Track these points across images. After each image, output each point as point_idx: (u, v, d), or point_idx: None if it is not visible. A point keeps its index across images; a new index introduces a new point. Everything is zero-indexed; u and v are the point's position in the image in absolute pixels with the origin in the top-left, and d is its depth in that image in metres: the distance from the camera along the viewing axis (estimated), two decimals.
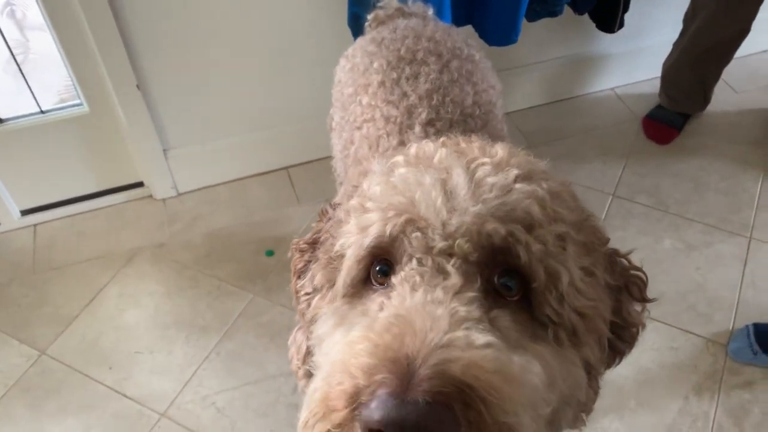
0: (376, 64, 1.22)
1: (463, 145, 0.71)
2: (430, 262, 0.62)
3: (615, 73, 2.55)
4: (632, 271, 0.76)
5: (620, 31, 2.20)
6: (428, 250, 0.63)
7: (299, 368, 0.84)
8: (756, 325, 1.71)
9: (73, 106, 2.04)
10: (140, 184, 2.22)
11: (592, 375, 0.71)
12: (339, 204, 0.80)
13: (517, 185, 0.64)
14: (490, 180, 0.64)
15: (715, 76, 2.31)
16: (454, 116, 1.11)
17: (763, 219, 2.07)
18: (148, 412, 1.67)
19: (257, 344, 1.79)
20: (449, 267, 0.62)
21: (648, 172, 2.25)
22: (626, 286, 0.75)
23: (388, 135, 1.10)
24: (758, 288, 1.88)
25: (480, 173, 0.65)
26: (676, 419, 1.60)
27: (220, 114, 2.12)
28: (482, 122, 1.13)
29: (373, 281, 0.67)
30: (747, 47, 2.28)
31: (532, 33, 2.23)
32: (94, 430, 1.65)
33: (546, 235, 0.62)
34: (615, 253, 0.76)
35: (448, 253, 0.62)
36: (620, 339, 0.75)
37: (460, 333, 0.56)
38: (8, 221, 2.12)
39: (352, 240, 0.67)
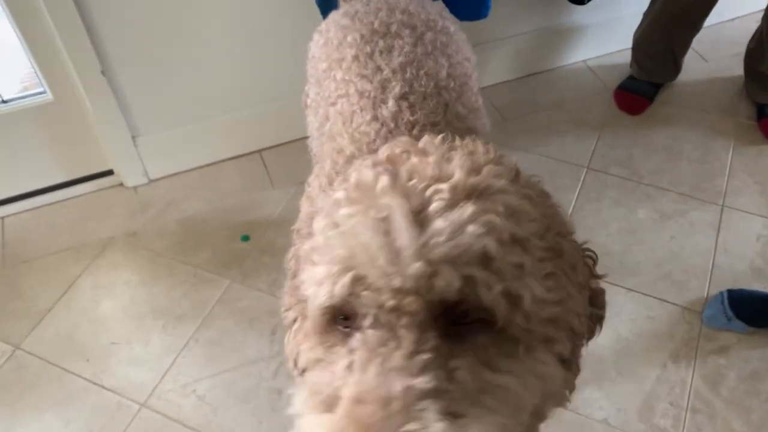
0: (349, 38, 1.20)
1: (414, 160, 0.66)
2: (382, 321, 0.60)
3: (586, 46, 2.55)
4: (585, 251, 0.77)
5: (591, 3, 2.19)
6: (380, 307, 0.60)
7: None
8: (730, 292, 1.74)
9: (37, 94, 1.98)
10: (110, 173, 2.18)
11: (571, 360, 0.72)
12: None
13: (470, 227, 0.59)
14: (439, 224, 0.59)
15: (685, 44, 2.32)
16: (427, 89, 1.09)
17: (735, 186, 2.09)
18: (127, 403, 1.65)
19: (236, 330, 1.78)
20: (400, 328, 0.60)
21: (621, 143, 2.25)
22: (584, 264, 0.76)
23: (361, 110, 1.08)
24: (731, 255, 1.90)
25: (432, 207, 0.60)
26: (655, 387, 1.63)
27: (189, 98, 2.08)
28: (457, 94, 1.12)
29: (338, 325, 0.66)
30: (716, 15, 2.29)
31: (503, 7, 2.21)
32: (73, 423, 1.63)
33: (505, 266, 0.59)
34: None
35: (400, 310, 0.60)
36: (596, 307, 0.77)
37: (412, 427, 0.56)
38: None
39: (309, 292, 0.65)
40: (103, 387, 1.69)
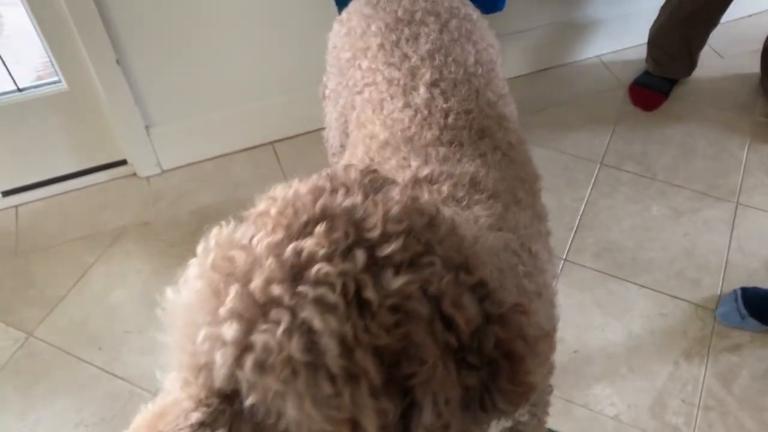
0: (373, 27, 1.20)
1: (304, 217, 0.59)
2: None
3: (601, 41, 2.53)
4: (513, 347, 0.59)
5: None
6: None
7: None
8: (743, 290, 1.73)
9: (52, 83, 1.99)
10: (123, 162, 2.18)
11: None
12: None
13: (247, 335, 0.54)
14: (224, 312, 0.55)
15: (702, 40, 2.30)
16: (457, 76, 1.09)
17: (750, 184, 2.07)
18: (139, 392, 1.66)
19: None
20: (182, 388, 0.60)
21: (635, 139, 2.24)
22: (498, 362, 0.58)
23: (391, 97, 1.08)
24: (745, 252, 1.89)
25: (254, 288, 0.55)
26: (667, 384, 1.62)
27: (202, 88, 2.09)
28: (485, 81, 1.12)
29: None
30: (733, 11, 2.27)
31: (518, 0, 2.20)
32: (85, 411, 1.64)
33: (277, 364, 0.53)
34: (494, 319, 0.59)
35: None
36: (505, 400, 0.60)
37: None
38: None
39: None
40: (115, 375, 1.70)
